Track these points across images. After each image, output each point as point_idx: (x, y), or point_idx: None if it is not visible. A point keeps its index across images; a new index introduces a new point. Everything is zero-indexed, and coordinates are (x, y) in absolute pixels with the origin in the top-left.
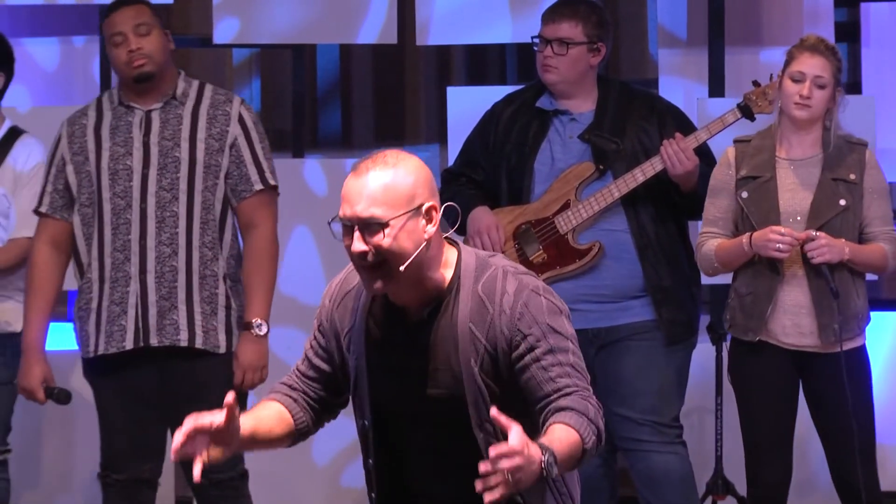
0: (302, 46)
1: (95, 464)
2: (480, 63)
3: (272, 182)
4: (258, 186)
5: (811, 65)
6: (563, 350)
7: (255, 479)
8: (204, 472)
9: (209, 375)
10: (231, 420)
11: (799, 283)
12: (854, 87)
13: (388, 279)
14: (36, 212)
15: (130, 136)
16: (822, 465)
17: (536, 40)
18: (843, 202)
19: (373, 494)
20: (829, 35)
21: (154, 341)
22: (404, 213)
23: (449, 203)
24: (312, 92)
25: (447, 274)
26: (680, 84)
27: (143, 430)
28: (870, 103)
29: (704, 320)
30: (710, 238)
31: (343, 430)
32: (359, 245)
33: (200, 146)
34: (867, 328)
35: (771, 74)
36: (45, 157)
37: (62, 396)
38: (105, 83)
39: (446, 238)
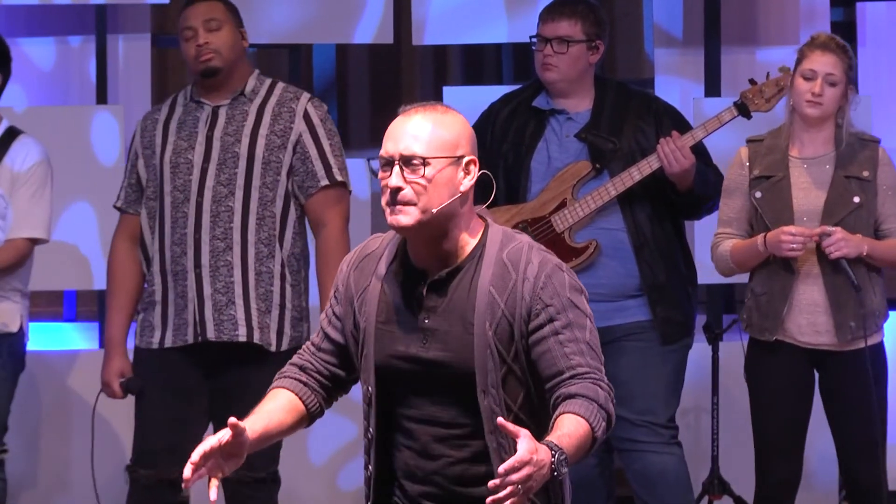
0: (298, 46)
1: (96, 464)
2: (476, 63)
3: (339, 178)
4: (324, 182)
5: (822, 62)
6: (581, 327)
7: None
8: (236, 470)
9: (259, 375)
10: (237, 435)
11: (814, 282)
12: None
13: (416, 219)
14: (115, 207)
15: (195, 130)
16: (820, 463)
17: (534, 40)
18: (856, 199)
19: (370, 467)
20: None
21: (212, 335)
22: (446, 157)
23: (485, 171)
24: (309, 91)
25: (472, 241)
26: (676, 83)
27: (182, 430)
28: (866, 103)
29: (700, 320)
30: (726, 238)
31: (340, 431)
32: (396, 180)
33: (261, 142)
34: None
35: (768, 73)
36: (42, 156)
37: (134, 387)
38: (101, 83)
39: (478, 213)
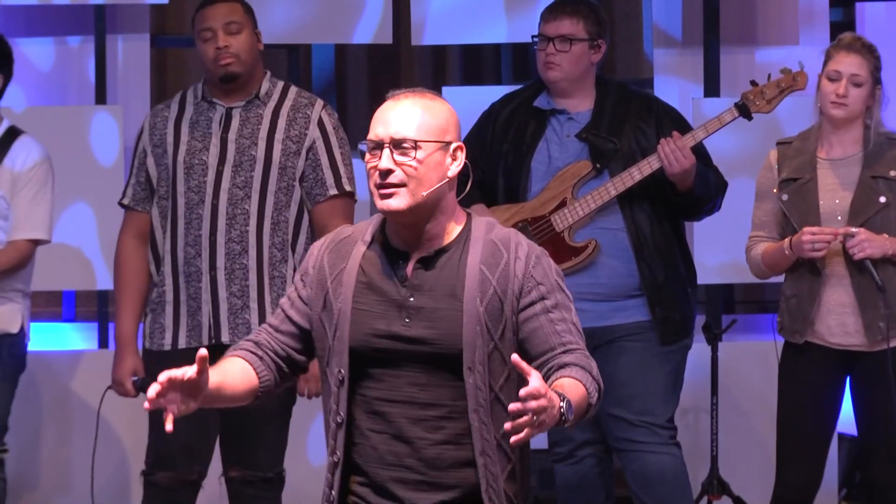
0: (297, 46)
1: (95, 467)
2: (476, 63)
3: (348, 188)
4: (333, 191)
5: (847, 63)
6: (568, 309)
7: None
8: (241, 468)
9: None
10: (202, 373)
11: (841, 283)
12: None
13: (407, 202)
14: (120, 204)
15: (209, 131)
16: (828, 465)
17: (536, 39)
18: (883, 199)
19: (337, 453)
20: (825, 35)
21: (226, 338)
22: (435, 142)
23: (466, 162)
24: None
25: (457, 227)
26: (675, 84)
27: (198, 431)
28: None
29: (700, 320)
30: (758, 242)
31: None
32: (387, 162)
33: (277, 147)
34: None
35: (769, 74)
36: (42, 156)
37: (148, 386)
38: (100, 83)
39: (459, 204)
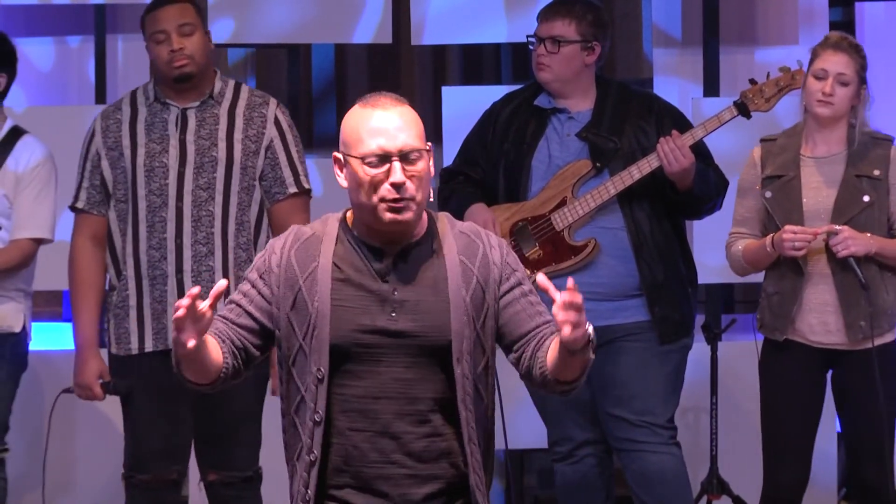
0: (297, 46)
1: (97, 465)
2: (476, 63)
3: (306, 185)
4: (292, 189)
5: (833, 62)
6: (536, 294)
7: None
8: (219, 470)
9: None
10: (212, 308)
11: (824, 281)
12: None
13: (413, 210)
14: (72, 208)
15: (166, 133)
16: (821, 464)
17: (532, 39)
18: (866, 198)
19: (315, 452)
20: (824, 35)
21: None
22: (429, 149)
23: None
24: (307, 92)
25: (423, 222)
26: (675, 83)
27: (173, 431)
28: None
29: (699, 320)
30: (739, 238)
31: None
32: (402, 176)
33: (237, 147)
34: None
35: (768, 73)
36: (45, 156)
37: (121, 388)
38: (100, 83)
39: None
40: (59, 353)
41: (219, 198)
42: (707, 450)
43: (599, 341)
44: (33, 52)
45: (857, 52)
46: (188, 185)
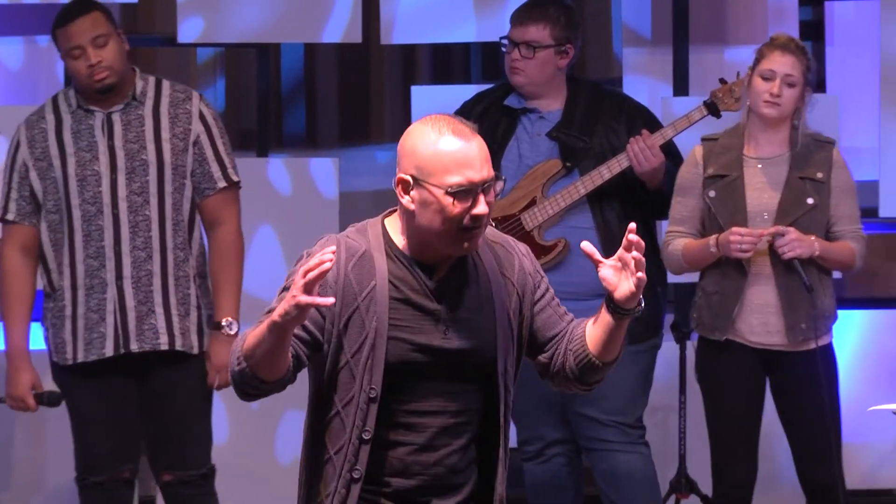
0: (266, 45)
1: (69, 465)
2: (445, 62)
3: (235, 178)
4: (222, 184)
5: (781, 63)
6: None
7: (219, 475)
8: (173, 470)
9: (183, 376)
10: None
11: (766, 282)
12: (818, 85)
13: (481, 236)
14: (1, 219)
15: (94, 140)
16: (785, 463)
17: (505, 42)
18: (810, 200)
19: (359, 469)
20: (794, 34)
21: (134, 347)
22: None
23: None
24: (277, 91)
25: None
26: (644, 83)
27: (122, 431)
28: (834, 102)
29: (668, 319)
30: (677, 237)
31: None
32: (486, 207)
33: (167, 147)
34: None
35: (738, 72)
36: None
37: (53, 399)
38: (69, 83)
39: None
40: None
41: (153, 200)
42: (676, 449)
43: None
44: (2, 51)
45: (803, 54)
46: (122, 192)
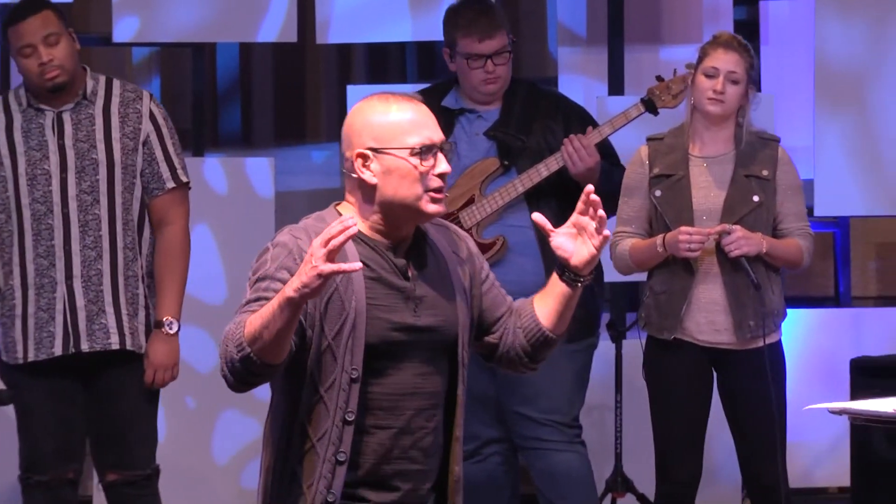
0: (202, 45)
1: (13, 464)
2: (381, 61)
3: (184, 179)
4: (170, 184)
5: (725, 60)
6: None
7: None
8: (119, 470)
9: (131, 376)
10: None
11: (714, 280)
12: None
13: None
14: None
15: (44, 139)
16: (726, 460)
17: (468, 60)
18: (756, 198)
19: (344, 452)
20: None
21: (85, 346)
22: None
23: None
24: (213, 90)
25: None
26: (580, 82)
27: (68, 431)
28: (769, 101)
29: (604, 318)
30: (625, 237)
31: (243, 430)
32: (447, 165)
33: (117, 146)
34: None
35: (675, 69)
36: None
37: (3, 398)
38: (5, 82)
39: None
40: None
41: (103, 200)
42: (612, 448)
43: None
44: None
45: (746, 52)
46: (72, 191)
